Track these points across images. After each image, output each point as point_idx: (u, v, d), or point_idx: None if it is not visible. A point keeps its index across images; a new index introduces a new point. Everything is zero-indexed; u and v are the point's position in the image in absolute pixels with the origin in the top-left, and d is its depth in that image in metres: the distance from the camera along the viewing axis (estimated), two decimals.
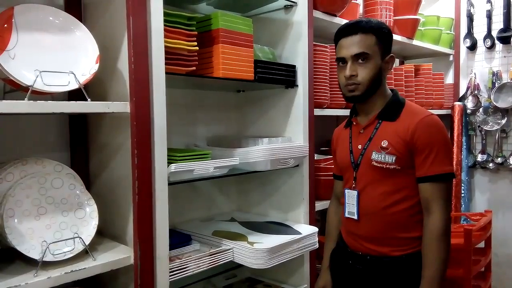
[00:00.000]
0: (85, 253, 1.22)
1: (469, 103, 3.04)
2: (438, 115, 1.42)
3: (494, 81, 2.93)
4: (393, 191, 1.37)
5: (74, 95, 1.25)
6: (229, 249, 1.53)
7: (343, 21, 2.00)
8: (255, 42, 1.65)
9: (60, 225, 1.22)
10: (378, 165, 1.37)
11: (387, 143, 1.36)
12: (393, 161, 1.35)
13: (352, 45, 1.36)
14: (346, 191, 1.47)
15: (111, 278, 1.36)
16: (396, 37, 2.47)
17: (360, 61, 1.36)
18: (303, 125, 1.83)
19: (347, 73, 1.37)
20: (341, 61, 1.40)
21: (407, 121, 1.36)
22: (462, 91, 3.13)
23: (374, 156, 1.38)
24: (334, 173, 1.68)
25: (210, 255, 1.47)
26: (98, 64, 1.24)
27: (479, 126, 3.01)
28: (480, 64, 3.05)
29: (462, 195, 3.00)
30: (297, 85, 1.82)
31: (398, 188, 1.37)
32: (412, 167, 1.35)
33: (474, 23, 3.06)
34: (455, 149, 3.01)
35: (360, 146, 1.43)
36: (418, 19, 2.58)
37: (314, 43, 1.88)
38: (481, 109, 2.98)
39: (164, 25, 1.29)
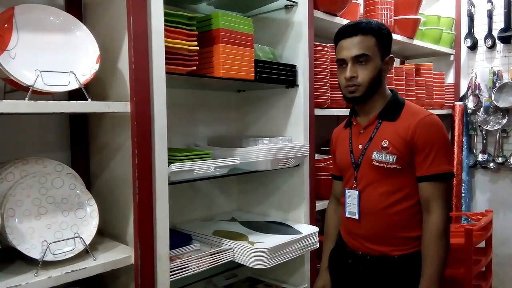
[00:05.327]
0: (86, 252, 1.22)
1: (470, 103, 3.04)
2: (438, 115, 1.42)
3: (494, 80, 2.93)
4: (394, 191, 1.37)
5: (75, 95, 1.25)
6: (230, 249, 1.53)
7: (344, 21, 2.00)
8: (255, 42, 1.65)
9: (60, 224, 1.22)
10: (379, 164, 1.37)
11: (387, 143, 1.36)
12: (394, 160, 1.35)
13: (352, 46, 1.36)
14: (347, 191, 1.47)
15: (111, 277, 1.37)
16: (396, 37, 2.47)
17: (360, 62, 1.36)
18: (304, 124, 1.83)
19: (348, 75, 1.37)
20: (341, 62, 1.40)
21: (407, 121, 1.36)
22: (462, 91, 3.12)
23: (375, 156, 1.38)
24: (333, 174, 1.68)
25: (211, 254, 1.47)
26: (98, 64, 1.24)
27: (479, 126, 3.01)
28: (481, 63, 3.05)
29: (463, 194, 3.00)
30: (297, 85, 1.82)
31: (399, 187, 1.37)
32: (413, 166, 1.35)
33: (474, 22, 3.05)
34: (456, 149, 3.01)
35: (361, 146, 1.43)
36: (418, 19, 2.58)
37: (314, 42, 1.88)
38: (481, 109, 2.98)
39: (165, 25, 1.29)
